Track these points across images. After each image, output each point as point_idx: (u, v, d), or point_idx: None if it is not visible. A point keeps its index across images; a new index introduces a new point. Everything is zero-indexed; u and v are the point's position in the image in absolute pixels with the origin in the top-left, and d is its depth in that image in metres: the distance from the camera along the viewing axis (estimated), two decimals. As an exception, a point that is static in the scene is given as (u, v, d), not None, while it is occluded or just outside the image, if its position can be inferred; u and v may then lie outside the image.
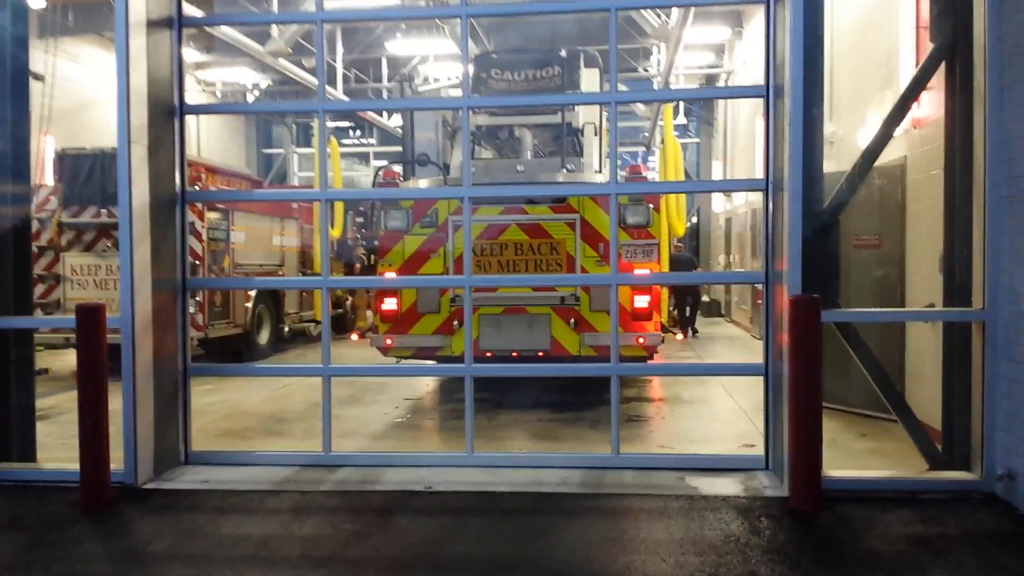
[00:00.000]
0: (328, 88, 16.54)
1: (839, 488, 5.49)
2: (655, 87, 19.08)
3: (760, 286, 6.24)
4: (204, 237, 12.33)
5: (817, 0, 5.72)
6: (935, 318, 6.33)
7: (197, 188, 12.23)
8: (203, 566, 4.54)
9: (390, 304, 8.56)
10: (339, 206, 16.27)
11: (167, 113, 6.52)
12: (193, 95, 22.24)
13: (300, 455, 6.76)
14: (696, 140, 25.01)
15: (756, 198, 15.98)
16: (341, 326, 17.55)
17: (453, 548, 4.77)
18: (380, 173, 9.36)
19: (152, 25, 6.32)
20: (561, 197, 8.44)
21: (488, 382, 10.30)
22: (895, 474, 5.84)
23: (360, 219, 18.07)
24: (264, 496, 5.80)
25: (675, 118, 17.40)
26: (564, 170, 9.01)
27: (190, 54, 20.14)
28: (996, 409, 5.50)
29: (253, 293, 13.81)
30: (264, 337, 14.44)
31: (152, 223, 6.29)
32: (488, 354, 8.53)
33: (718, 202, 21.85)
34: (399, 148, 26.53)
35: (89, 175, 12.31)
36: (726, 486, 5.76)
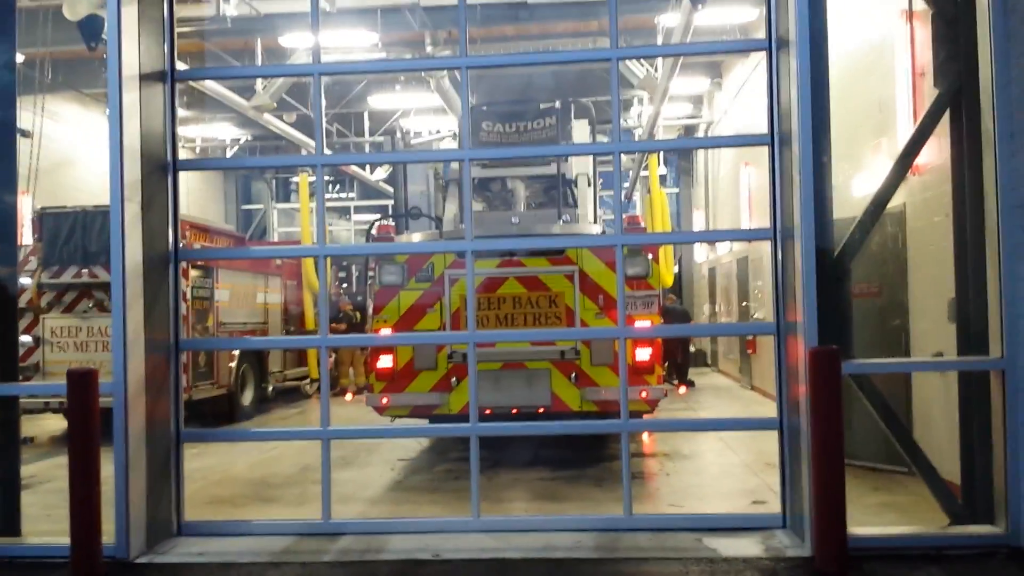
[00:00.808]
0: (310, 142, 16.47)
1: (863, 546, 5.30)
2: (635, 138, 19.19)
3: (746, 338, 6.11)
4: (188, 296, 12.07)
5: (821, 48, 5.70)
6: (955, 368, 6.21)
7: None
8: (208, 649, 4.26)
9: (386, 361, 8.34)
10: (327, 261, 16.09)
11: (160, 169, 6.35)
12: (172, 152, 22.06)
13: (298, 523, 6.48)
14: (675, 190, 25.18)
15: (741, 247, 16.00)
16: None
17: (472, 622, 4.52)
18: (375, 227, 9.21)
19: (145, 79, 6.17)
20: (559, 249, 8.32)
21: (483, 439, 10.06)
22: (919, 530, 5.67)
23: (342, 274, 17.87)
24: (264, 568, 5.52)
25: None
26: (561, 222, 8.91)
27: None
28: (1019, 460, 5.37)
29: (237, 353, 13.51)
30: (248, 397, 14.10)
31: (145, 283, 6.08)
32: (487, 411, 8.31)
33: (700, 252, 21.89)
34: (382, 202, 26.56)
35: (70, 234, 12.06)
36: (746, 547, 5.56)
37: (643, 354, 8.13)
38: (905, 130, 7.93)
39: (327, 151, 16.90)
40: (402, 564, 5.51)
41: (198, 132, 21.98)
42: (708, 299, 20.71)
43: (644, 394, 8.11)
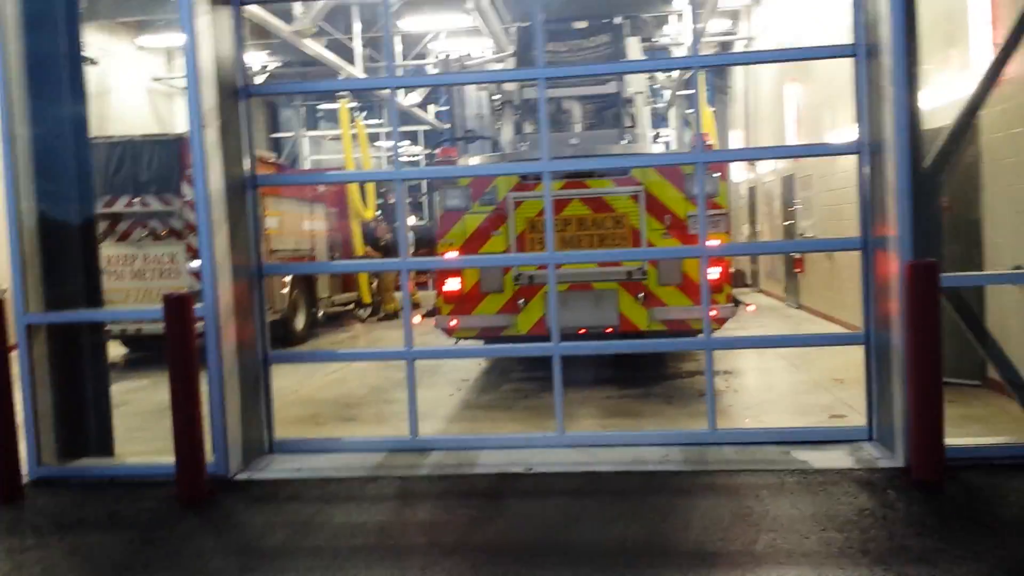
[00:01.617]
0: (349, 67, 16.28)
1: (957, 456, 5.34)
2: (672, 55, 18.75)
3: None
4: (241, 223, 12.11)
5: (912, -46, 5.52)
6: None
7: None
8: (330, 559, 4.40)
9: (453, 284, 8.38)
10: (371, 187, 16.06)
11: (233, 95, 6.32)
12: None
13: (386, 440, 6.63)
14: (711, 109, 24.73)
15: (786, 166, 15.81)
16: (373, 308, 17.41)
17: (581, 532, 4.64)
18: (438, 152, 9.16)
19: (213, 3, 6.09)
20: (624, 169, 8.25)
21: (539, 360, 10.17)
22: (1012, 440, 5.71)
23: (379, 201, 17.86)
24: (363, 483, 5.67)
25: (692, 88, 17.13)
26: (623, 141, 8.81)
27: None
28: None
29: (289, 279, 13.62)
30: (299, 322, 14.26)
31: (228, 209, 6.11)
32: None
33: (738, 172, 21.64)
34: (413, 127, 26.28)
35: (119, 164, 12.07)
36: (836, 459, 5.63)
37: (712, 273, 8.10)
38: (978, 40, 7.76)
39: (360, 74, 16.68)
40: (497, 478, 5.63)
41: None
42: (747, 219, 20.57)
43: (714, 312, 8.11)
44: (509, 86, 9.84)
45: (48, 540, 4.88)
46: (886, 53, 5.55)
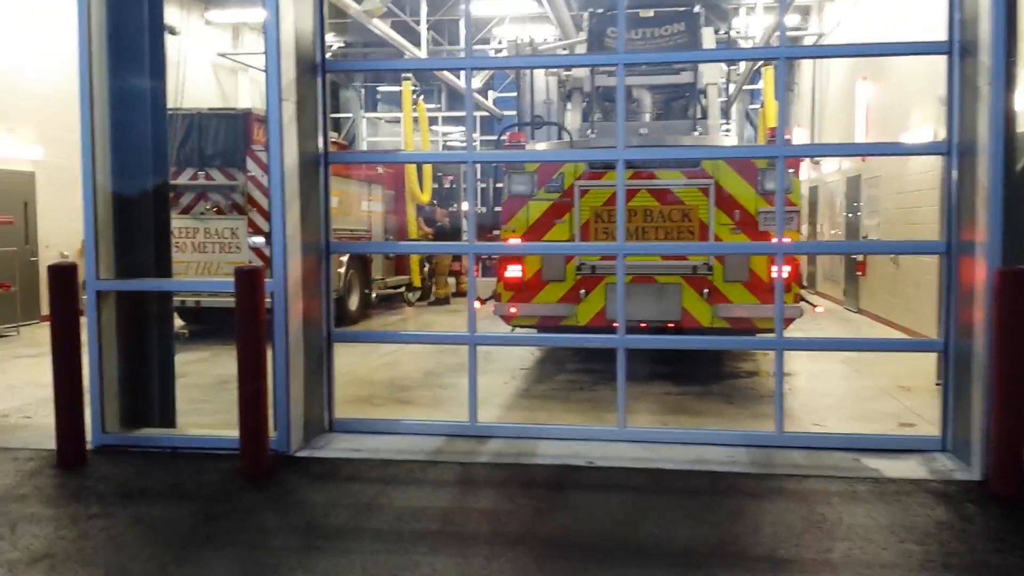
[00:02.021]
0: (414, 49, 16.25)
1: (1039, 473, 5.15)
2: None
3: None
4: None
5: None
6: None
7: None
8: (393, 542, 4.36)
9: (514, 271, 8.31)
10: (428, 170, 16.05)
11: (311, 70, 6.30)
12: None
13: (445, 424, 6.58)
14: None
15: (853, 166, 15.45)
16: (423, 292, 17.45)
17: (647, 530, 4.54)
18: (506, 136, 9.09)
19: (297, -23, 6.06)
20: (695, 161, 8.10)
21: (594, 352, 10.07)
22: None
23: (434, 185, 17.85)
24: (423, 467, 5.63)
25: (757, 83, 16.80)
26: (695, 132, 8.65)
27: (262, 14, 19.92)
28: None
29: (345, 259, 13.68)
30: (353, 303, 14.32)
31: (300, 184, 6.10)
32: (614, 324, 8.25)
33: (801, 171, 21.21)
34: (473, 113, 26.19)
35: (185, 137, 12.19)
36: (909, 469, 5.46)
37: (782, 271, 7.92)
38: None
39: (422, 55, 16.65)
40: (558, 469, 5.56)
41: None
42: (807, 219, 20.18)
43: (781, 312, 7.93)
44: (578, 73, 9.72)
45: (112, 509, 4.91)
46: (984, 51, 5.33)
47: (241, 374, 5.49)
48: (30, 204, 14.33)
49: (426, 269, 17.78)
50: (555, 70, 9.97)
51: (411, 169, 15.35)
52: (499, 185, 25.58)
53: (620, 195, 6.20)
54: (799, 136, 21.19)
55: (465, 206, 20.61)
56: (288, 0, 5.94)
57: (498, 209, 25.35)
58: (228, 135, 12.11)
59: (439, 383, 9.02)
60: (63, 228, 14.93)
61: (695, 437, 6.20)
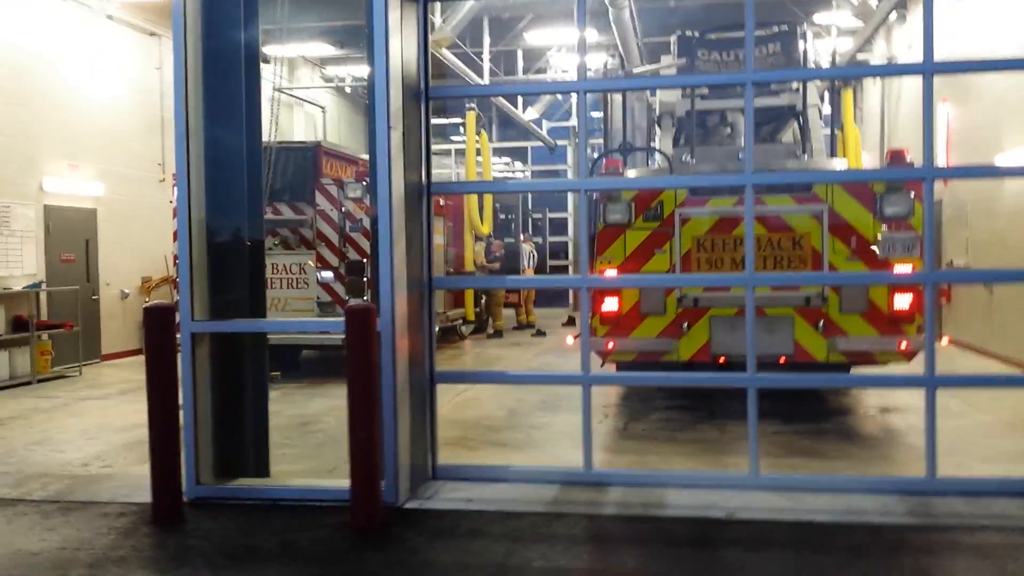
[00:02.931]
0: (475, 76, 16.01)
1: None
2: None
3: None
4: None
5: None
6: None
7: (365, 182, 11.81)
8: (544, 611, 3.91)
9: (611, 304, 7.87)
10: (489, 202, 15.72)
11: (415, 97, 5.96)
12: (321, 94, 22.04)
13: (558, 471, 6.13)
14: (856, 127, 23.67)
15: (937, 189, 14.83)
16: (476, 325, 17.06)
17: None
18: (601, 162, 8.71)
19: (403, 0, 5.74)
20: (807, 185, 7.64)
21: (684, 389, 9.59)
22: None
23: (502, 216, 17.54)
24: (547, 520, 5.18)
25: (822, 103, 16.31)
26: (801, 156, 8.20)
27: (320, 48, 19.87)
28: None
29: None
30: (418, 338, 13.93)
31: (406, 216, 5.74)
32: (720, 359, 7.79)
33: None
34: (525, 143, 25.95)
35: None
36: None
37: (902, 301, 7.42)
38: None
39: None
40: (696, 523, 5.09)
41: (346, 71, 21.90)
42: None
43: (904, 345, 7.42)
44: (666, 97, 9.33)
45: (223, 574, 4.52)
46: None
47: (353, 421, 5.09)
48: (91, 241, 14.20)
49: (483, 301, 17.42)
50: (641, 95, 9.59)
51: (472, 200, 15.04)
52: (562, 215, 25.00)
53: (749, 222, 5.80)
54: (866, 161, 20.63)
55: (521, 238, 20.24)
56: (396, 23, 5.60)
57: (554, 240, 24.98)
58: (297, 169, 11.89)
59: (528, 423, 8.58)
60: (124, 265, 14.80)
61: (837, 484, 5.70)
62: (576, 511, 5.35)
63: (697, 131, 9.58)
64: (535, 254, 18.14)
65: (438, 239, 15.28)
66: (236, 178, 6.04)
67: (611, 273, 7.92)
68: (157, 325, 5.31)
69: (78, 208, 13.89)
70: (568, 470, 6.09)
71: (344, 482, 5.64)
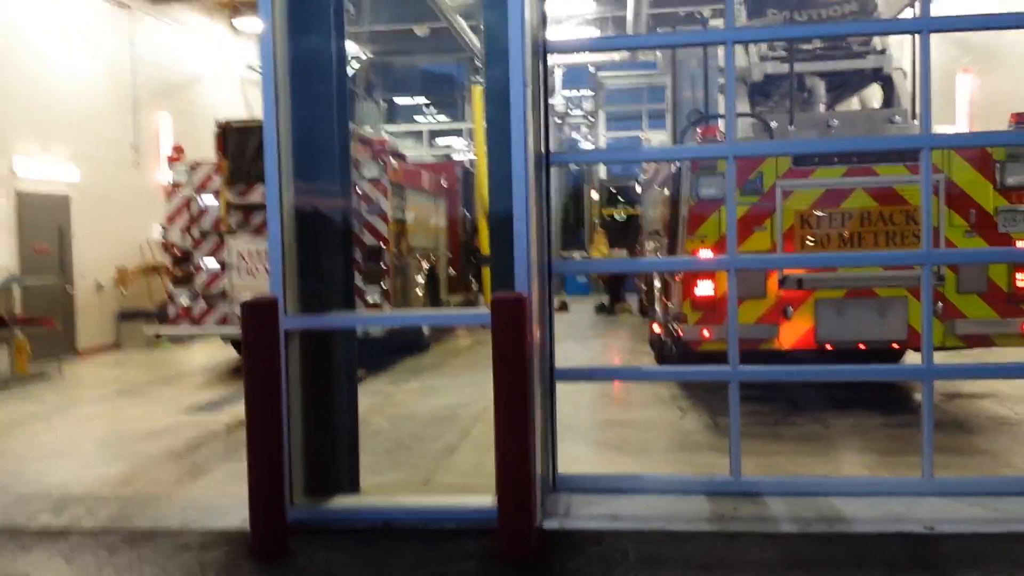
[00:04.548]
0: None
1: None
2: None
3: None
4: (390, 217, 10.96)
5: None
6: None
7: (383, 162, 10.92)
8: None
9: (706, 288, 7.14)
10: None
11: (535, 54, 5.12)
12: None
13: (699, 480, 5.39)
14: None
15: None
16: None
17: None
18: (697, 131, 7.96)
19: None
20: (916, 153, 6.99)
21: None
22: None
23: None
24: (724, 542, 4.47)
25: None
26: (893, 121, 7.57)
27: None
28: None
29: (422, 279, 12.52)
30: (427, 327, 13.09)
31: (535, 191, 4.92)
32: (828, 346, 7.14)
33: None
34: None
35: (258, 151, 10.88)
36: None
37: (1025, 280, 6.86)
38: None
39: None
40: (899, 540, 4.43)
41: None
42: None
43: (1027, 326, 6.86)
44: (740, 62, 8.62)
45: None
46: None
47: (502, 431, 4.29)
48: (65, 230, 12.97)
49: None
50: (707, 60, 8.84)
51: (483, 180, 14.16)
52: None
53: (926, 190, 5.08)
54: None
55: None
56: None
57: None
58: (307, 146, 10.85)
59: (609, 420, 7.84)
60: (98, 255, 13.59)
61: (1017, 486, 5.06)
62: (749, 529, 4.63)
63: (771, 95, 8.92)
64: None
65: (442, 222, 14.45)
66: (324, 163, 5.19)
67: (705, 253, 7.18)
68: (258, 322, 4.41)
69: (51, 194, 12.67)
70: (712, 479, 5.35)
71: (468, 499, 4.99)
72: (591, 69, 24.00)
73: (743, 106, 8.47)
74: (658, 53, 10.15)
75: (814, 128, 7.89)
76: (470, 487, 5.72)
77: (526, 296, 4.43)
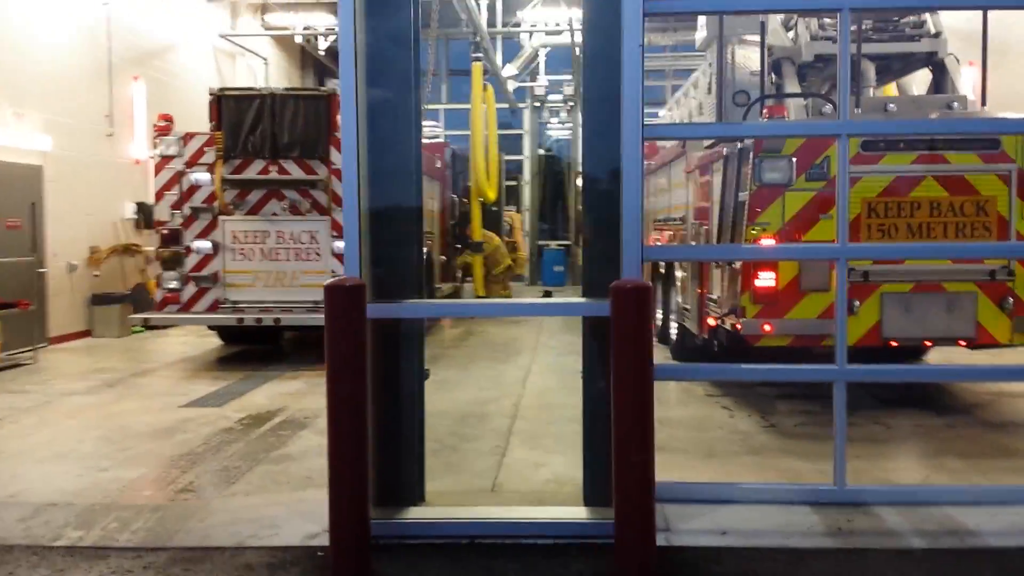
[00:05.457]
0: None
1: None
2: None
3: None
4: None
5: None
6: None
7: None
8: None
9: (767, 279, 6.73)
10: (494, 166, 14.34)
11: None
12: (262, 44, 20.04)
13: (799, 489, 4.97)
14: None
15: None
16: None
17: None
18: (763, 111, 7.52)
19: None
20: (995, 141, 6.67)
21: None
22: None
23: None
24: (851, 559, 4.09)
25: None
26: (952, 106, 7.23)
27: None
28: None
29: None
30: (424, 315, 12.52)
31: (635, 167, 4.42)
32: (892, 343, 6.79)
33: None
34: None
35: (255, 122, 10.20)
36: None
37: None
38: None
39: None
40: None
41: (297, 20, 19.99)
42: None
43: (1111, 327, 6.59)
44: (783, 42, 8.22)
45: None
46: None
47: (623, 437, 3.81)
48: (38, 204, 12.08)
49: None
50: (753, 41, 8.40)
51: (479, 164, 13.61)
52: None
53: (1015, 182, 4.69)
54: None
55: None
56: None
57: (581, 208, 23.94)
58: (308, 121, 10.18)
59: (661, 418, 7.32)
60: (71, 233, 12.71)
61: None
62: (874, 545, 4.23)
63: (813, 77, 8.53)
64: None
65: (435, 206, 13.88)
66: (396, 147, 4.63)
67: (767, 242, 6.77)
68: (345, 309, 3.84)
69: (22, 164, 11.75)
70: (814, 487, 4.93)
71: (558, 511, 4.60)
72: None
73: (793, 86, 8.08)
74: (698, 35, 9.59)
75: (874, 112, 7.52)
76: (546, 496, 5.26)
77: (648, 285, 3.93)
